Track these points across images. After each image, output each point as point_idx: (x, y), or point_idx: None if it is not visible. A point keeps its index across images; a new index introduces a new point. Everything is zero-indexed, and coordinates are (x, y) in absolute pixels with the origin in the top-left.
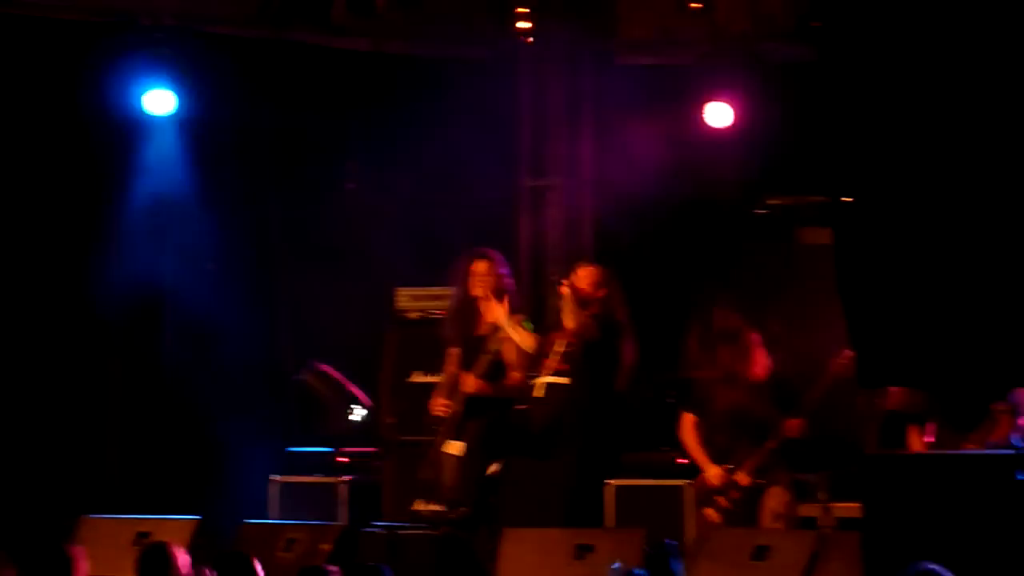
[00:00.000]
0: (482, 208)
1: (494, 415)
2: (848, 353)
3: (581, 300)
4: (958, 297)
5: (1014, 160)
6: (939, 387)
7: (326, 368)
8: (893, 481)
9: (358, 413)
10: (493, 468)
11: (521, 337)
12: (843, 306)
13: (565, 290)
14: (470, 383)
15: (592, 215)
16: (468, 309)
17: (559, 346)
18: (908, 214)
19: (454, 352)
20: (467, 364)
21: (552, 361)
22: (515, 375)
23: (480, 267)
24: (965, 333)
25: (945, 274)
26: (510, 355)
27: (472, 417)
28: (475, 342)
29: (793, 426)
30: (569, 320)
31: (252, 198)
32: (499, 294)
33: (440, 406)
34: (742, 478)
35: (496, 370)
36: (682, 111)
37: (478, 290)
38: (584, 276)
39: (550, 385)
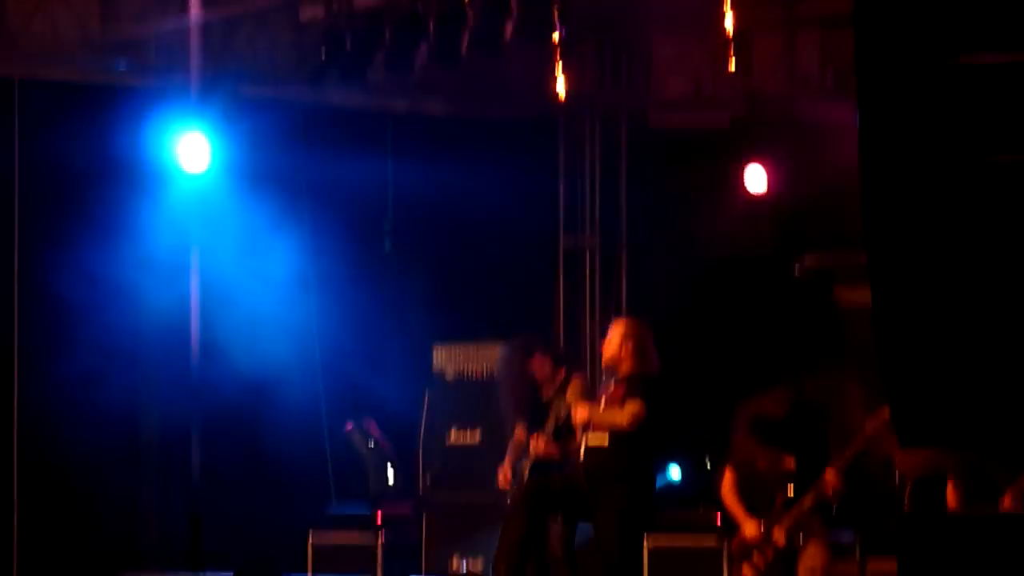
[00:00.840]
0: (519, 267)
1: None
2: (885, 411)
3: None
4: (1004, 351)
5: None
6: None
7: (372, 426)
8: (929, 541)
9: (393, 473)
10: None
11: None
12: (880, 365)
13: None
14: (540, 446)
15: (627, 276)
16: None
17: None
18: (946, 268)
19: (520, 422)
20: (533, 429)
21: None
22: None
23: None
24: (1012, 389)
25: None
26: (576, 418)
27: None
28: (542, 407)
29: (829, 483)
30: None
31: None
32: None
33: (503, 479)
34: (779, 536)
35: (562, 434)
36: (717, 173)
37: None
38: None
39: (589, 449)
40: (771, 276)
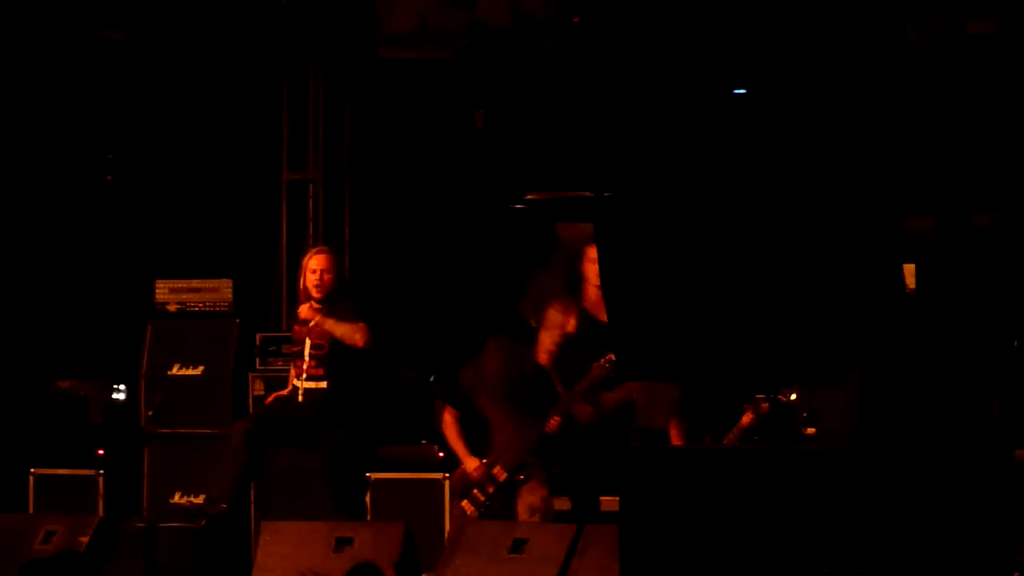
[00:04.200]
0: (242, 201)
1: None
2: (610, 356)
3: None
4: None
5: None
6: (698, 382)
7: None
8: (652, 475)
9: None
10: None
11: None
12: (606, 302)
13: None
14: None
15: (350, 211)
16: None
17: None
18: (671, 208)
19: None
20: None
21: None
22: None
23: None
24: (724, 328)
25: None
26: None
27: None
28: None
29: (551, 425)
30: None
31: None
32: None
33: None
34: (499, 473)
35: None
36: (444, 106)
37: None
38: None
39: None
40: (495, 210)
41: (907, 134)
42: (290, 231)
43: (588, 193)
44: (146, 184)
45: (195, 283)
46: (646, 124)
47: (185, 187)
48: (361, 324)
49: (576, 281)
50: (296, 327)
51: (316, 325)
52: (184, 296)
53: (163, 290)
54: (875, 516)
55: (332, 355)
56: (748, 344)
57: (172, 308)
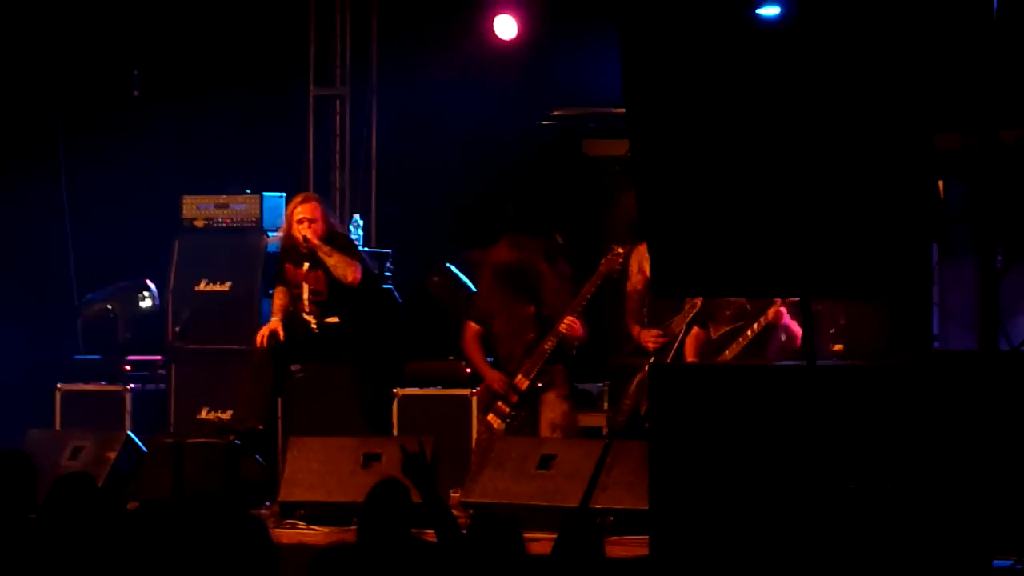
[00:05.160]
0: (268, 115)
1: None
2: (619, 249)
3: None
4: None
5: None
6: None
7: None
8: (681, 391)
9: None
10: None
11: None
12: (641, 218)
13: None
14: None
15: (377, 126)
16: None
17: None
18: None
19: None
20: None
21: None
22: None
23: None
24: (758, 243)
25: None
26: None
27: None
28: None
29: (567, 324)
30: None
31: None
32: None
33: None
34: (521, 381)
35: None
36: (469, 22)
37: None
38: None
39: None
40: (521, 126)
41: (937, 51)
42: (316, 147)
43: (617, 110)
44: (173, 100)
45: (222, 199)
46: (678, 41)
47: (212, 103)
48: (355, 260)
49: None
50: (288, 265)
51: (308, 244)
52: (211, 212)
53: (190, 206)
54: (902, 432)
55: (332, 300)
56: (783, 259)
57: (199, 224)
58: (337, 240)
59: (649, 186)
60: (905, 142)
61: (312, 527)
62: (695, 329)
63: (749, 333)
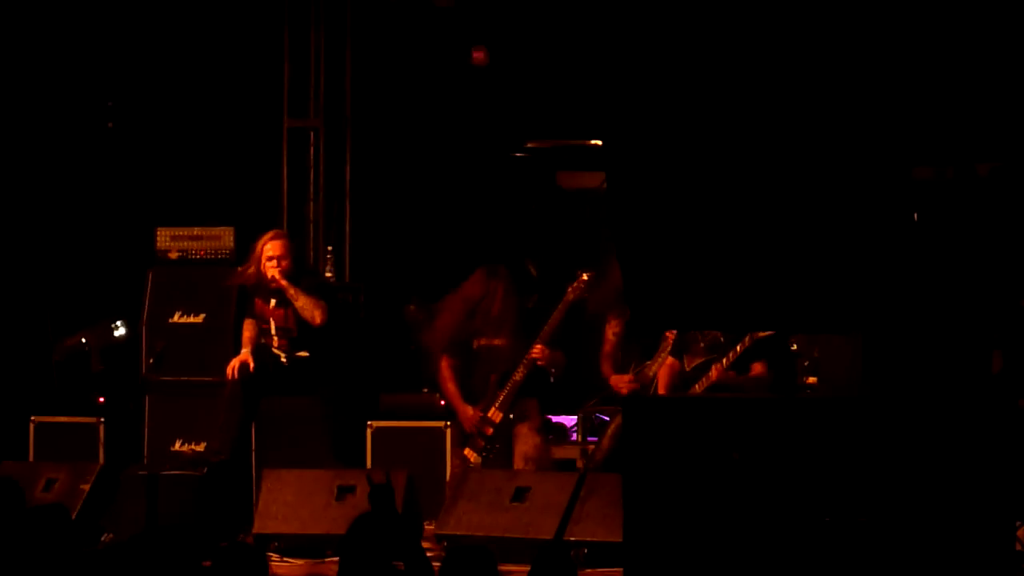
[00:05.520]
0: (244, 148)
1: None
2: (584, 276)
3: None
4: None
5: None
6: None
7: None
8: (655, 423)
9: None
10: None
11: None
12: (619, 253)
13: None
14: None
15: (352, 158)
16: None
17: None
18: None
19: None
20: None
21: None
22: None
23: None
24: (736, 277)
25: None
26: None
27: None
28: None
29: (536, 351)
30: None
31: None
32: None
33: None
34: (495, 414)
35: None
36: (445, 52)
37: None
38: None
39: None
40: (495, 156)
41: (914, 83)
42: (291, 179)
43: (590, 142)
44: (147, 131)
45: (196, 231)
46: (656, 68)
47: (187, 135)
48: (322, 302)
49: None
50: (257, 300)
51: (276, 283)
52: (185, 244)
53: (164, 238)
54: (876, 464)
55: (302, 336)
56: (760, 292)
57: (173, 256)
58: (305, 280)
59: (625, 219)
60: (881, 176)
61: (287, 559)
62: (669, 359)
63: (724, 362)
